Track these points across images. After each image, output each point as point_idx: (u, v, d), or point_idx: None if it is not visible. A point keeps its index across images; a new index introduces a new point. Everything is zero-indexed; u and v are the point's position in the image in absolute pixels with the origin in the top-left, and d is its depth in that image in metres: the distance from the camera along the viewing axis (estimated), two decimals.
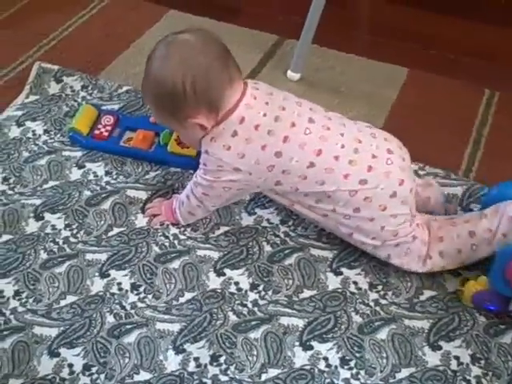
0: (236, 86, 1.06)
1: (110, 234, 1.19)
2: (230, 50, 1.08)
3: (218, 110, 1.05)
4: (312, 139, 1.06)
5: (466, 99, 1.47)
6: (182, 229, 1.20)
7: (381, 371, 1.00)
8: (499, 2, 1.82)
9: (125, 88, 1.49)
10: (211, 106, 1.05)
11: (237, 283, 1.12)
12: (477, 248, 1.07)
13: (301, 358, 1.02)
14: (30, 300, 1.09)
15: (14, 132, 1.38)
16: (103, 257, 1.15)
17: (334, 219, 1.09)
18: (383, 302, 1.09)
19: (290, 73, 1.55)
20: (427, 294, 1.10)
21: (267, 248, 1.17)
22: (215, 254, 1.16)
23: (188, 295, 1.10)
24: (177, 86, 1.02)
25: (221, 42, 1.08)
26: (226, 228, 1.20)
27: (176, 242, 1.18)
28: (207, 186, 1.11)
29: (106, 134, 1.35)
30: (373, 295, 1.10)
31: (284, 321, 1.06)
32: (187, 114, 1.05)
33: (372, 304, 1.08)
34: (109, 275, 1.12)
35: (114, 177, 1.29)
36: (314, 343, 1.04)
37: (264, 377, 1.00)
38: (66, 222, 1.21)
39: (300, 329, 1.05)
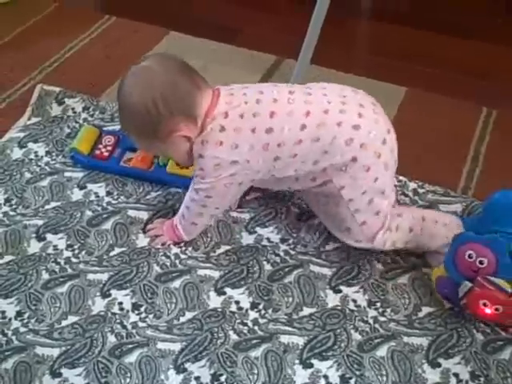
0: (207, 91, 1.10)
1: (112, 254, 1.20)
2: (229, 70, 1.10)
3: (196, 116, 1.08)
4: (297, 105, 1.08)
5: (464, 117, 1.49)
6: (183, 248, 1.21)
7: None
8: (496, 21, 1.84)
9: None
10: (188, 115, 1.07)
11: (237, 302, 1.12)
12: (422, 233, 1.13)
13: (301, 377, 1.02)
14: (32, 320, 1.10)
15: (17, 153, 1.40)
16: (104, 277, 1.16)
17: (331, 178, 1.09)
18: (382, 319, 1.09)
19: None
20: (425, 310, 1.10)
21: (267, 267, 1.18)
22: (216, 274, 1.16)
23: (189, 315, 1.11)
24: (149, 108, 1.06)
25: (179, 58, 1.12)
26: (227, 247, 1.21)
27: (177, 261, 1.18)
28: (209, 188, 1.12)
29: (106, 154, 1.37)
30: (372, 312, 1.10)
31: (284, 339, 1.07)
32: (168, 129, 1.08)
33: (371, 321, 1.09)
34: (110, 295, 1.13)
35: (115, 197, 1.31)
36: (314, 361, 1.04)
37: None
38: (68, 243, 1.22)
39: (300, 347, 1.06)
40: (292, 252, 1.20)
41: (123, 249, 1.21)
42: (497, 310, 1.01)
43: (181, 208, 1.20)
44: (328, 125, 1.07)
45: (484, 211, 1.14)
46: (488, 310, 1.02)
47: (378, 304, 1.11)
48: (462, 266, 1.04)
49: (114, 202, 1.30)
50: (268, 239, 1.23)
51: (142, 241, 1.22)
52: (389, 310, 1.11)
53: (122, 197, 1.31)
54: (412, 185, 1.32)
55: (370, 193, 1.10)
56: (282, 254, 1.20)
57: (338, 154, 1.07)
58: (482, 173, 1.37)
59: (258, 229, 1.25)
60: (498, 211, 1.10)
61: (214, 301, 1.12)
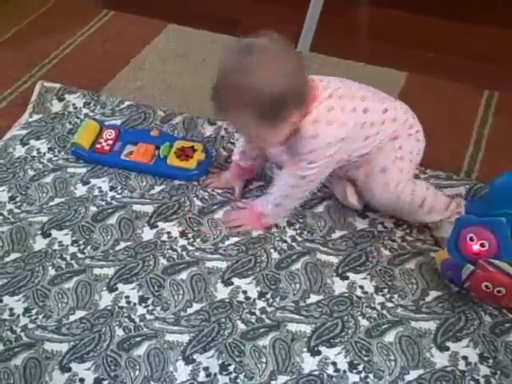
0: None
1: (117, 248, 1.20)
2: None
3: (305, 102, 1.11)
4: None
5: (466, 101, 1.48)
6: (191, 240, 1.21)
7: (389, 374, 1.01)
8: (497, 3, 1.83)
9: (126, 103, 1.51)
10: (303, 103, 1.10)
11: (245, 292, 1.13)
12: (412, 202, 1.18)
13: (309, 364, 1.03)
14: (40, 316, 1.10)
15: (19, 151, 1.40)
16: (111, 271, 1.16)
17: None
18: (389, 305, 1.09)
19: None
20: (433, 294, 1.11)
21: (275, 255, 1.18)
22: (223, 264, 1.17)
23: (196, 306, 1.11)
24: (277, 95, 1.05)
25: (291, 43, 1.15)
26: (237, 238, 1.22)
27: (184, 253, 1.19)
28: (319, 172, 1.16)
29: (107, 148, 1.37)
30: (379, 298, 1.11)
31: (292, 327, 1.07)
32: (284, 116, 1.08)
33: (379, 307, 1.09)
34: (117, 289, 1.13)
35: (119, 191, 1.31)
36: (322, 348, 1.05)
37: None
38: (73, 238, 1.22)
39: (308, 334, 1.06)
40: (299, 238, 1.21)
41: (129, 243, 1.21)
42: (499, 292, 1.02)
43: (269, 197, 1.21)
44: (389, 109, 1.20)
45: (490, 193, 1.14)
46: (490, 291, 1.02)
47: (386, 290, 1.12)
48: (464, 249, 1.04)
49: (118, 196, 1.30)
50: (276, 225, 1.23)
51: (148, 234, 1.22)
52: (396, 295, 1.11)
53: (125, 191, 1.31)
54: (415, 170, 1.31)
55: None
56: (289, 240, 1.21)
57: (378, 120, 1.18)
58: (485, 156, 1.37)
59: None
60: (504, 193, 1.10)
61: (222, 292, 1.12)
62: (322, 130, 1.11)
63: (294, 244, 1.20)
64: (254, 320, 1.08)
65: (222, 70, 1.09)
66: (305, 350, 1.04)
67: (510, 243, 1.02)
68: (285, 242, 1.20)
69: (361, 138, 1.17)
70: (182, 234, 1.22)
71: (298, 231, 1.22)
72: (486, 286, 1.02)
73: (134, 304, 1.11)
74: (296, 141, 1.13)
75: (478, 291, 1.04)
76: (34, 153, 1.40)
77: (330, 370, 1.02)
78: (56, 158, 1.38)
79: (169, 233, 1.22)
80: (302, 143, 1.12)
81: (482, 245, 1.03)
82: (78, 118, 1.48)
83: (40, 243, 1.21)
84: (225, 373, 1.02)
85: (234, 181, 1.30)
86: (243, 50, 1.08)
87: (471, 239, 1.03)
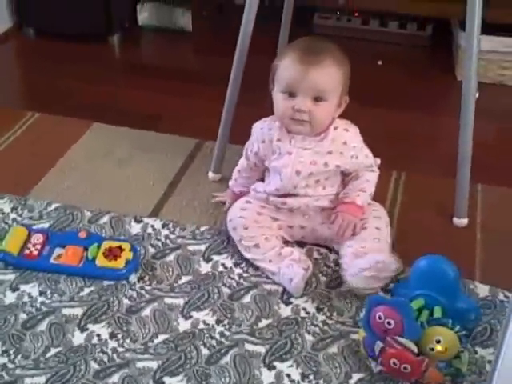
0: None
1: (48, 355, 1.21)
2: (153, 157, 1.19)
3: None
4: None
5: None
6: (121, 341, 1.22)
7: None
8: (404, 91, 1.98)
9: (54, 205, 1.54)
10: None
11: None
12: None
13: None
14: None
15: None
16: (42, 380, 1.16)
17: None
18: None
19: (210, 174, 1.63)
20: (355, 377, 1.16)
21: (204, 351, 1.21)
22: (154, 364, 1.19)
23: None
24: (347, 78, 1.35)
25: None
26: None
27: (115, 355, 1.20)
28: None
29: (35, 252, 1.39)
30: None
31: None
32: (344, 100, 1.36)
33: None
34: None
35: (49, 296, 1.32)
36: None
37: None
38: (3, 348, 1.22)
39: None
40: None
41: (59, 348, 1.22)
42: (405, 368, 1.08)
43: (363, 191, 1.39)
44: None
45: (410, 275, 1.24)
46: (397, 367, 1.09)
47: (311, 376, 1.16)
48: (375, 327, 1.12)
49: (47, 301, 1.31)
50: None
51: (79, 338, 1.23)
52: (321, 380, 1.15)
53: (55, 295, 1.32)
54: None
55: None
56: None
57: None
58: (398, 233, 1.45)
59: (193, 313, 1.28)
60: (421, 276, 1.20)
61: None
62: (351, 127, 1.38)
63: (222, 339, 1.23)
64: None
65: (306, 41, 1.37)
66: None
67: (413, 322, 1.10)
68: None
69: None
70: (112, 336, 1.24)
71: (227, 326, 1.26)
72: (394, 363, 1.08)
73: None
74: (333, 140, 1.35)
75: (387, 367, 1.10)
76: None
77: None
78: None
79: (99, 335, 1.24)
80: (347, 138, 1.36)
81: (388, 323, 1.10)
82: (5, 223, 1.50)
83: None
84: None
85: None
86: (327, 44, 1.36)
87: (379, 318, 1.11)
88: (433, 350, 1.09)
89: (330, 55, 1.31)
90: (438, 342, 1.09)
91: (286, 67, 1.31)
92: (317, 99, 1.29)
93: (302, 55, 1.29)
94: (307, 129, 1.33)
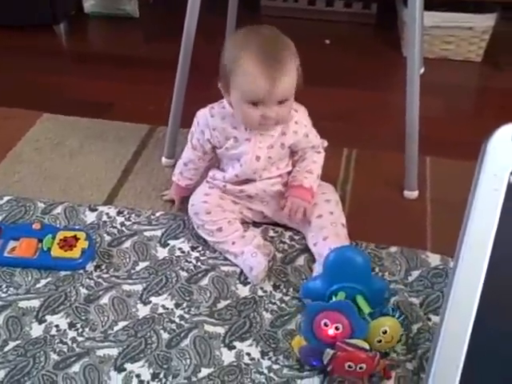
0: None
1: (6, 349, 1.20)
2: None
3: None
4: None
5: (328, 160, 1.58)
6: (80, 330, 1.23)
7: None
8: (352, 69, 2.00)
9: (5, 198, 1.52)
10: None
11: (138, 375, 1.15)
12: None
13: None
14: None
15: None
16: (1, 374, 1.15)
17: None
18: (275, 367, 1.16)
19: (164, 159, 1.63)
20: None
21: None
22: (114, 351, 1.19)
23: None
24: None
25: None
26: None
27: (75, 345, 1.20)
28: None
29: None
30: (266, 362, 1.17)
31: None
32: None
33: (266, 371, 1.16)
34: None
35: (4, 290, 1.31)
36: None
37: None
38: None
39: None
40: (187, 316, 1.26)
41: (18, 342, 1.21)
42: (361, 368, 1.07)
43: (310, 172, 1.40)
44: None
45: (324, 271, 1.21)
46: (353, 370, 1.07)
47: (271, 353, 1.18)
48: (321, 335, 1.10)
49: (3, 295, 1.30)
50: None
51: (37, 330, 1.23)
52: (281, 356, 1.18)
53: (11, 288, 1.31)
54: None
55: None
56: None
57: None
58: (352, 211, 1.48)
59: (152, 298, 1.29)
60: (337, 269, 1.18)
61: (114, 379, 1.14)
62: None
63: (182, 322, 1.24)
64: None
65: (260, 40, 1.28)
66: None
67: (360, 321, 1.10)
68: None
69: None
70: (71, 326, 1.24)
71: (186, 309, 1.27)
72: (349, 366, 1.07)
73: None
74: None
75: (341, 372, 1.09)
76: None
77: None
78: None
79: (57, 326, 1.24)
80: (297, 118, 1.38)
81: (336, 328, 1.09)
82: None
83: None
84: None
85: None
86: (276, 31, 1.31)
87: (325, 324, 1.09)
88: (380, 341, 1.12)
89: (289, 58, 1.27)
90: (385, 332, 1.11)
91: (250, 81, 1.25)
92: (281, 102, 1.29)
93: (265, 67, 1.23)
94: (274, 127, 1.35)
